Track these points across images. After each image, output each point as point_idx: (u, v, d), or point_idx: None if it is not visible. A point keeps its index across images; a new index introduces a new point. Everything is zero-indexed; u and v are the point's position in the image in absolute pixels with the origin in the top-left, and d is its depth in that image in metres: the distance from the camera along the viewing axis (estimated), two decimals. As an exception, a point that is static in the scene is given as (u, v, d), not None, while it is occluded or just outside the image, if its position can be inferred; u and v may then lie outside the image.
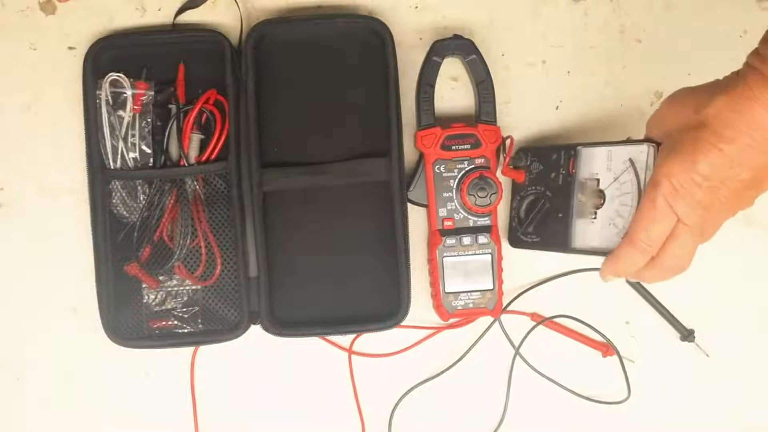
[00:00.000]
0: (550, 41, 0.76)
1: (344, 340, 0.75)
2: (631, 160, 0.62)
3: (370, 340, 0.75)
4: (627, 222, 0.61)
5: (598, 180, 0.63)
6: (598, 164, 0.64)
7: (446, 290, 0.71)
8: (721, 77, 0.67)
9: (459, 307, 0.72)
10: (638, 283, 0.75)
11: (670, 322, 0.75)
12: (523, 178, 0.71)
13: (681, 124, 0.54)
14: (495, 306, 0.72)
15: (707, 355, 0.75)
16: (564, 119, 0.76)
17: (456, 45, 0.72)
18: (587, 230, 0.65)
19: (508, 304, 0.75)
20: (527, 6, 0.76)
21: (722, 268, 0.76)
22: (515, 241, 0.73)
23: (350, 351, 0.75)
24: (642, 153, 0.61)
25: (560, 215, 0.66)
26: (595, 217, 0.64)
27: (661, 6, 0.76)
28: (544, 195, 0.69)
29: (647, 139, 0.61)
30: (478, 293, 0.72)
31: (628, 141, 0.66)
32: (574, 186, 0.65)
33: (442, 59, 0.72)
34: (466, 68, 0.73)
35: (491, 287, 0.71)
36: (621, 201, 0.62)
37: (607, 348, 0.75)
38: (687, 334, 0.75)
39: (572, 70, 0.76)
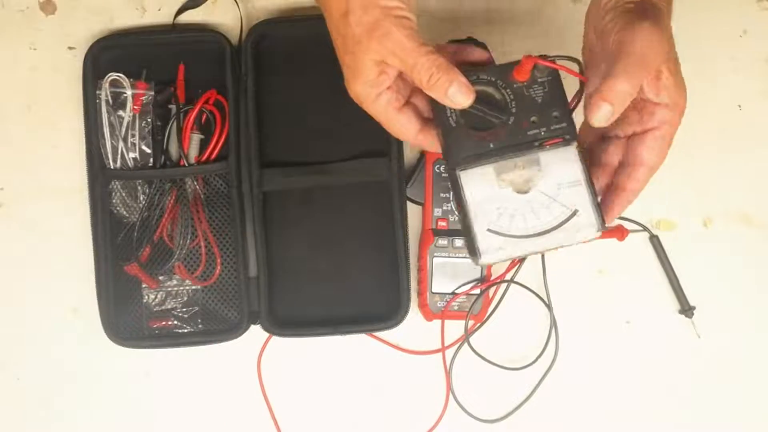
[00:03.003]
0: (550, 41, 0.76)
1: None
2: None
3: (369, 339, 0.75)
4: (535, 226, 0.52)
5: (540, 174, 0.53)
6: (561, 171, 0.53)
7: (433, 290, 0.72)
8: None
9: (444, 309, 0.72)
10: (656, 237, 0.74)
11: (676, 291, 0.75)
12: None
13: None
14: (480, 311, 0.72)
15: (698, 336, 0.75)
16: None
17: None
18: (480, 184, 0.53)
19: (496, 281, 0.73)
20: (527, 6, 0.76)
21: (722, 269, 0.76)
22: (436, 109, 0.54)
23: (392, 345, 0.74)
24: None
25: (492, 146, 0.53)
26: (498, 186, 0.53)
27: (661, 6, 0.76)
28: (507, 118, 0.54)
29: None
30: (465, 297, 0.72)
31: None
32: (525, 151, 0.53)
33: None
34: None
35: (478, 292, 0.72)
36: (538, 210, 0.53)
37: None
38: (687, 308, 0.75)
39: (572, 70, 0.76)
